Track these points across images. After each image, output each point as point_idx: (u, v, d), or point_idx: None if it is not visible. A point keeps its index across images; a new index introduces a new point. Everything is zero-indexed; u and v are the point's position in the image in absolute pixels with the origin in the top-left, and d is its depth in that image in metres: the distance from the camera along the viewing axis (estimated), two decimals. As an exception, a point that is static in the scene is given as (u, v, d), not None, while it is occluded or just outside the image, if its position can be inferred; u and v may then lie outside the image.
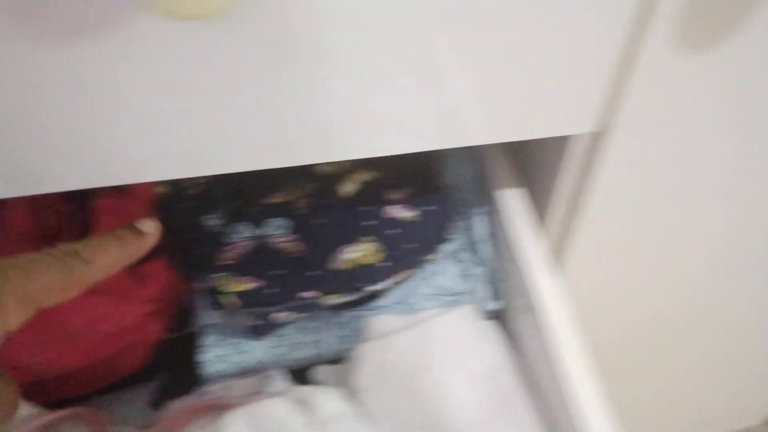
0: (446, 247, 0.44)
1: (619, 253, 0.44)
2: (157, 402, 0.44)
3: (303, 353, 0.42)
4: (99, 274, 0.29)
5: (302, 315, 0.40)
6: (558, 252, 0.43)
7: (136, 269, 0.40)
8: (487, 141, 0.33)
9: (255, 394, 0.39)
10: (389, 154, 0.32)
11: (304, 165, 0.45)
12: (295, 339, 0.42)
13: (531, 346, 0.39)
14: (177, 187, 0.43)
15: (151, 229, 0.32)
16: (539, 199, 0.42)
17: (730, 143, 0.36)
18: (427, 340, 0.41)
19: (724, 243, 0.45)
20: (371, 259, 0.39)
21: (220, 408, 0.37)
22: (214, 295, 0.38)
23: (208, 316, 0.42)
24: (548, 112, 0.32)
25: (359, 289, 0.39)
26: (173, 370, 0.44)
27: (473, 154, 0.47)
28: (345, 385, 0.41)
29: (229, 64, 0.26)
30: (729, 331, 0.58)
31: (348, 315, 0.44)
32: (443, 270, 0.45)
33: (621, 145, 0.35)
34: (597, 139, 0.35)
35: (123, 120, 0.27)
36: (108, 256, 0.29)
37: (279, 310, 0.38)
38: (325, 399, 0.33)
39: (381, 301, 0.44)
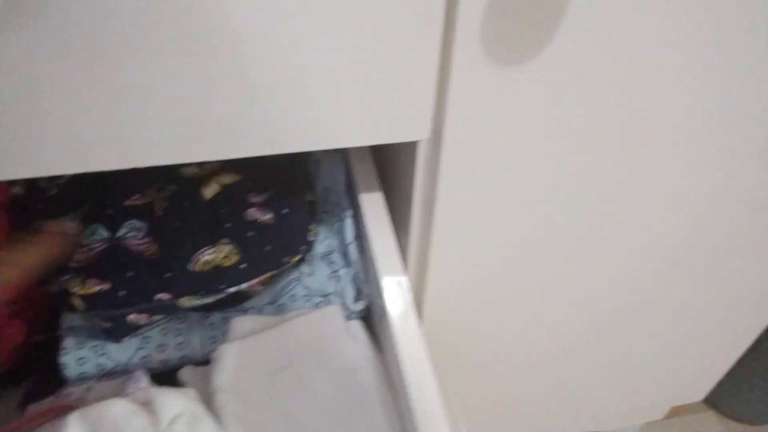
0: (318, 249, 0.45)
1: (471, 254, 0.45)
2: (24, 404, 0.44)
3: (168, 355, 0.42)
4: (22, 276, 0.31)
5: (158, 318, 0.40)
6: (421, 254, 0.44)
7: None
8: (327, 146, 0.34)
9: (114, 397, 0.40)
10: (225, 158, 0.33)
11: (168, 166, 0.45)
12: (159, 341, 0.42)
13: (386, 346, 0.41)
14: (34, 188, 0.43)
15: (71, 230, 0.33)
16: (400, 202, 0.44)
17: (547, 150, 0.38)
18: (288, 339, 0.41)
19: (560, 240, 0.47)
20: (229, 261, 0.40)
21: (66, 411, 0.37)
22: (64, 298, 0.38)
23: (70, 319, 0.42)
24: (383, 118, 0.33)
25: (219, 290, 0.39)
26: (38, 373, 0.43)
27: (344, 157, 0.47)
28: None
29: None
30: (593, 328, 0.61)
31: (218, 317, 0.44)
32: (315, 271, 0.46)
33: (451, 151, 0.36)
34: (434, 145, 0.36)
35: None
36: (30, 260, 0.31)
37: (130, 312, 0.38)
38: (168, 399, 0.34)
39: (251, 303, 0.44)
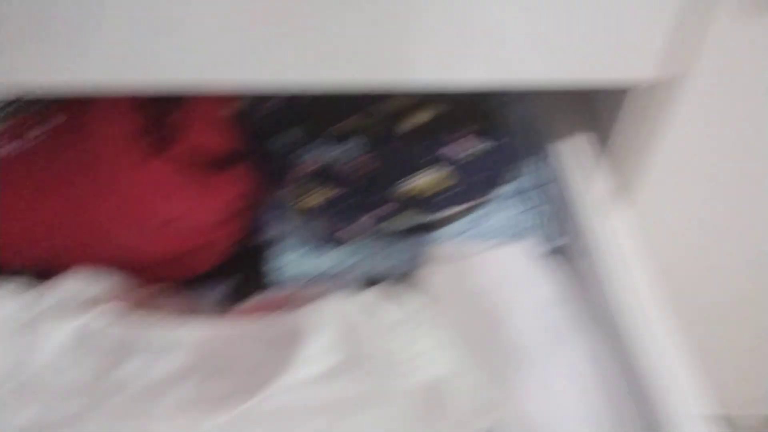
0: (512, 186, 0.47)
1: (689, 207, 0.46)
2: (227, 301, 0.48)
3: (370, 269, 0.45)
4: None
5: (374, 228, 0.43)
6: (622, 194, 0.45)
7: (222, 173, 0.43)
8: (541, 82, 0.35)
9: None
10: (463, 89, 0.35)
11: (369, 100, 0.48)
12: (362, 255, 0.45)
13: (588, 283, 0.43)
14: (253, 104, 0.46)
15: None
16: (603, 145, 0.45)
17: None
18: (494, 265, 0.44)
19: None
20: (442, 186, 0.42)
21: (298, 302, 0.40)
22: (293, 202, 0.41)
23: (282, 225, 0.45)
24: (609, 55, 0.34)
25: (431, 211, 0.42)
26: (245, 273, 0.47)
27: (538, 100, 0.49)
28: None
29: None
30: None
31: (415, 240, 0.47)
32: (508, 207, 0.48)
33: (688, 99, 0.37)
34: (660, 92, 0.37)
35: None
36: None
37: (352, 221, 0.41)
38: (392, 304, 0.37)
39: (445, 231, 0.47)
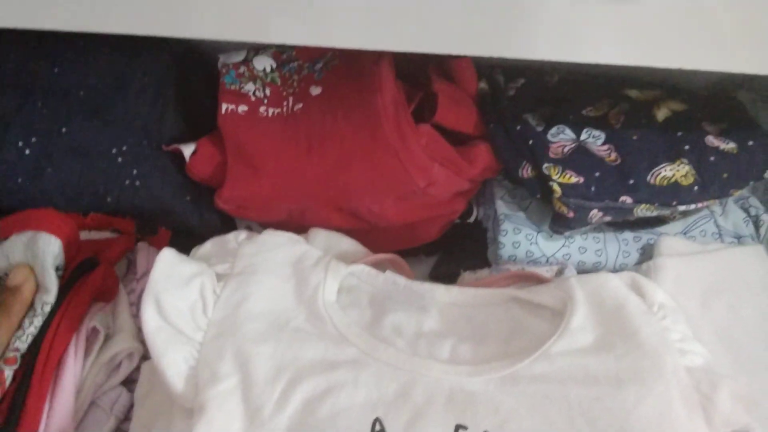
0: (744, 191, 0.46)
1: None
2: (439, 275, 0.50)
3: (585, 258, 0.46)
4: None
5: (608, 219, 0.43)
6: None
7: (465, 150, 0.45)
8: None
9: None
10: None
11: (612, 89, 0.48)
12: (581, 244, 0.46)
13: None
14: (495, 87, 0.48)
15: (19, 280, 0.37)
16: None
17: None
18: (720, 266, 0.43)
19: None
20: (686, 181, 0.42)
21: (531, 279, 0.42)
22: (541, 183, 0.43)
23: (505, 207, 0.47)
24: None
25: (672, 205, 0.42)
26: (461, 249, 0.49)
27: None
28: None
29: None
30: None
31: (630, 235, 0.47)
32: (727, 213, 0.47)
33: None
34: None
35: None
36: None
37: (596, 207, 0.42)
38: (654, 287, 0.37)
39: (664, 228, 0.47)
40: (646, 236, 0.46)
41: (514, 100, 0.47)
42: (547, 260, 0.46)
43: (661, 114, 0.45)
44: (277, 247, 0.39)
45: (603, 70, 0.49)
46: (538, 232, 0.46)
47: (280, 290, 0.37)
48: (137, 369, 0.39)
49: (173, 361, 0.33)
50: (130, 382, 0.40)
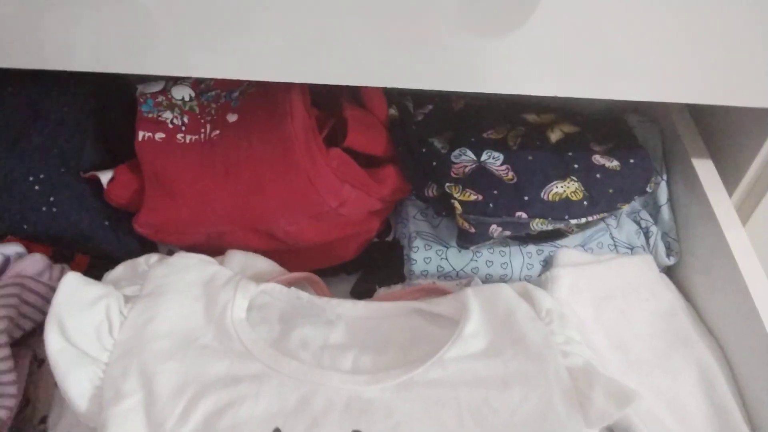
0: (634, 203, 0.50)
1: None
2: (359, 292, 0.52)
3: (492, 272, 0.49)
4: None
5: (507, 233, 0.46)
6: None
7: (375, 171, 0.48)
8: (689, 100, 0.39)
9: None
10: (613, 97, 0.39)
11: (511, 113, 0.52)
12: (487, 257, 0.49)
13: (719, 295, 0.45)
14: (404, 112, 0.51)
15: None
16: (725, 167, 0.48)
17: None
18: (612, 275, 0.47)
19: None
20: (575, 197, 0.46)
21: (436, 292, 0.44)
22: (437, 200, 0.46)
23: (417, 225, 0.50)
24: (733, 79, 0.37)
25: (564, 219, 0.45)
26: (380, 266, 0.52)
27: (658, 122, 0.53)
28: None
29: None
30: None
31: (533, 248, 0.50)
32: (621, 225, 0.51)
33: None
34: None
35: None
36: None
37: (494, 222, 0.45)
38: (542, 294, 0.40)
39: (564, 242, 0.50)
40: (547, 249, 0.50)
41: (422, 124, 0.50)
42: (457, 274, 0.49)
43: (555, 136, 0.49)
44: (187, 269, 0.40)
45: (504, 96, 0.53)
46: (447, 248, 0.49)
47: (189, 310, 0.38)
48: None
49: (77, 381, 0.34)
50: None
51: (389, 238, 0.53)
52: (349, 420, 0.33)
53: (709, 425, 0.39)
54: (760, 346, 0.40)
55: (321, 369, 0.37)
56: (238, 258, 0.45)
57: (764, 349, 0.39)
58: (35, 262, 0.43)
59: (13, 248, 0.45)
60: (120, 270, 0.40)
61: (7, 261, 0.44)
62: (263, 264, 0.46)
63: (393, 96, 0.51)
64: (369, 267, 0.53)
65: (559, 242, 0.50)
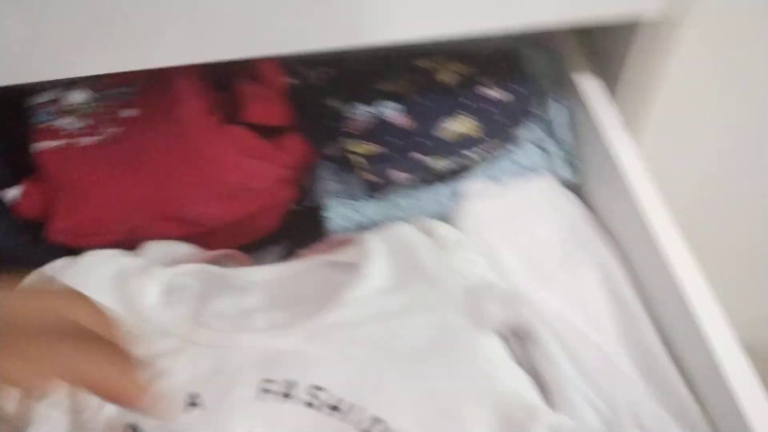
0: (528, 132, 0.52)
1: (690, 143, 0.49)
2: (286, 259, 0.53)
3: (404, 215, 0.50)
4: None
5: (412, 176, 0.48)
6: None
7: (276, 139, 0.49)
8: (551, 22, 0.40)
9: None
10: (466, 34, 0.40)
11: (403, 60, 0.53)
12: (399, 202, 0.51)
13: (615, 207, 0.46)
14: (302, 78, 0.52)
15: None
16: (611, 85, 0.49)
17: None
18: (516, 197, 0.49)
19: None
20: (467, 130, 0.47)
21: (346, 243, 0.45)
22: (342, 157, 0.47)
23: (331, 181, 0.51)
24: None
25: (460, 154, 0.47)
26: (296, 237, 0.53)
27: (550, 48, 0.54)
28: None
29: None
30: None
31: (442, 186, 0.51)
32: (525, 150, 0.53)
33: (692, 35, 0.40)
34: (664, 26, 0.41)
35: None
36: None
37: (395, 168, 0.46)
38: (449, 229, 0.41)
39: (474, 174, 0.52)
40: (455, 185, 0.51)
41: (317, 88, 0.51)
42: (375, 224, 0.50)
43: (446, 77, 0.50)
44: (96, 266, 0.41)
45: (399, 49, 0.54)
46: (360, 201, 0.50)
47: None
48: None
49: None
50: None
51: (307, 203, 0.54)
52: (261, 372, 0.35)
53: (612, 319, 0.41)
54: (648, 247, 0.42)
55: (236, 333, 0.38)
56: (155, 247, 0.46)
57: (653, 250, 0.41)
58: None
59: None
60: (32, 279, 0.41)
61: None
62: (183, 249, 0.47)
63: (289, 65, 0.52)
64: (293, 235, 0.54)
65: (466, 176, 0.52)
